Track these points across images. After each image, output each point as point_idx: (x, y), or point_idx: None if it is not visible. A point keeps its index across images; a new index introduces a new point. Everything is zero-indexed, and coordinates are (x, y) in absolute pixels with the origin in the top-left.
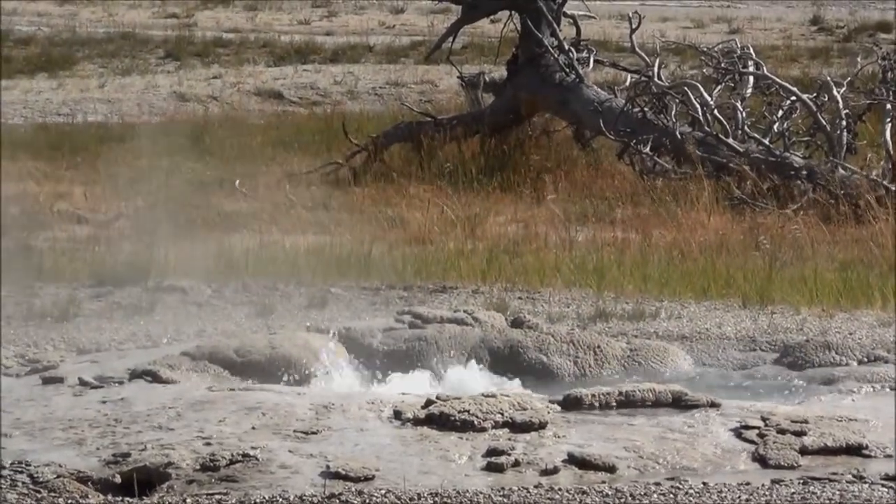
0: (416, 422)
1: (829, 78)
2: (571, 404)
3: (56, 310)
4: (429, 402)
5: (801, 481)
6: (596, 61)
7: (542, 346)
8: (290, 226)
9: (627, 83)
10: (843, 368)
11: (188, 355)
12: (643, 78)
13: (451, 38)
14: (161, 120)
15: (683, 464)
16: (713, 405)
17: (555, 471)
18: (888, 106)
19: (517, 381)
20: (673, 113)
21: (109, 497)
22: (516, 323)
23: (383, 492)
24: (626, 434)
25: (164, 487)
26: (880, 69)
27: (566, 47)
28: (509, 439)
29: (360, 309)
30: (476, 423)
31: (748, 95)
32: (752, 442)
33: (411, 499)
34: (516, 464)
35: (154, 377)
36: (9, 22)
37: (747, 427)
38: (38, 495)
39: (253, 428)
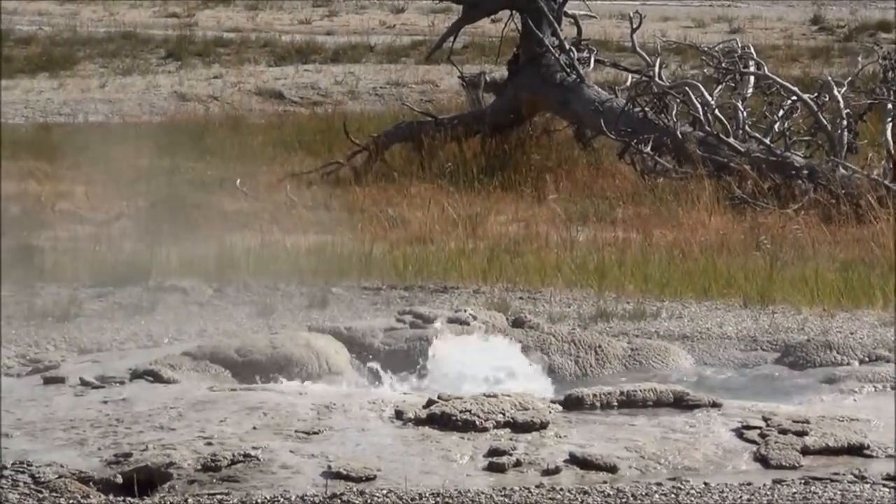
0: (418, 422)
1: (829, 77)
2: (573, 404)
3: (57, 310)
4: (430, 402)
5: (803, 481)
6: (597, 61)
7: (543, 346)
8: (291, 225)
9: (628, 83)
10: (845, 368)
11: (189, 355)
12: (644, 78)
13: (451, 38)
14: (162, 120)
15: (685, 464)
16: (714, 405)
17: (556, 471)
18: (889, 105)
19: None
20: (674, 113)
21: (111, 497)
22: (517, 323)
23: (385, 492)
24: (627, 434)
25: (166, 487)
26: (881, 69)
27: (567, 47)
28: (511, 439)
29: (361, 309)
30: (477, 422)
31: (749, 95)
32: (753, 442)
33: (413, 499)
34: (518, 464)
35: (155, 377)
36: (9, 21)
37: (749, 427)
38: (40, 495)
39: (254, 428)
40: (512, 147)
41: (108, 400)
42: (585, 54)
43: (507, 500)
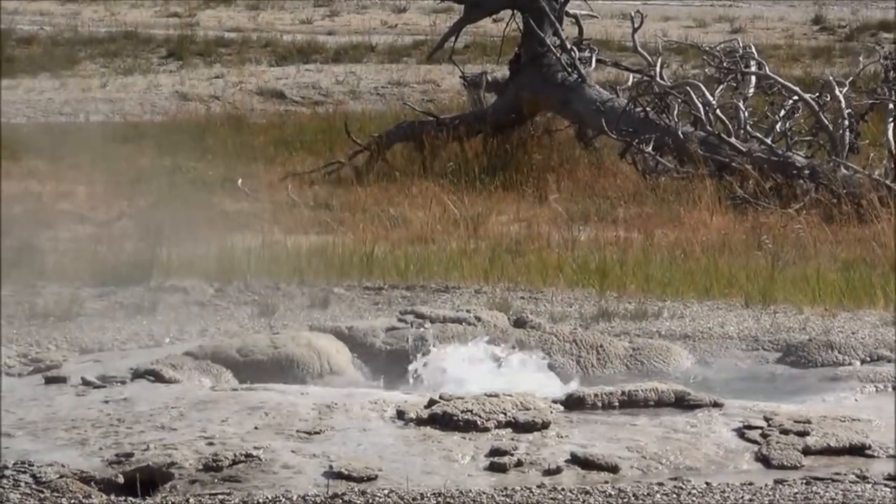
0: (419, 422)
1: (831, 77)
2: (574, 404)
3: (58, 309)
4: (431, 402)
5: (804, 481)
6: (598, 61)
7: (544, 346)
8: (293, 225)
9: (630, 83)
10: (846, 368)
11: (191, 355)
12: (645, 77)
13: (453, 38)
14: (163, 119)
15: (686, 464)
16: (716, 405)
17: (558, 471)
18: (890, 105)
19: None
20: (675, 112)
21: (112, 497)
22: (519, 323)
23: (386, 492)
24: (628, 434)
25: (167, 487)
26: (882, 69)
27: (568, 47)
28: (512, 439)
29: (362, 308)
30: (479, 422)
31: (750, 95)
32: (755, 442)
33: (414, 499)
34: (519, 464)
35: (157, 377)
36: (11, 21)
37: (750, 427)
38: (41, 495)
39: (256, 428)
40: (513, 147)
41: (110, 400)
42: (587, 54)
43: (508, 500)
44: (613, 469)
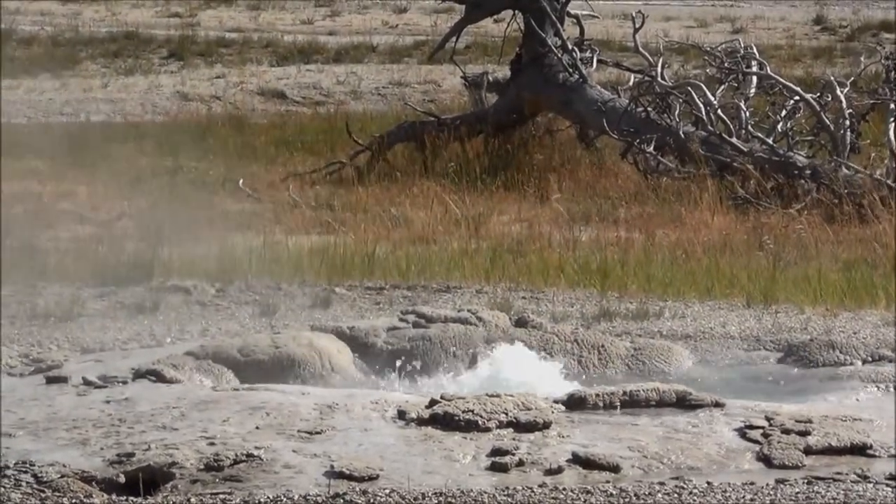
0: (420, 422)
1: (832, 77)
2: (575, 404)
3: (59, 309)
4: (433, 402)
5: (806, 481)
6: (599, 61)
7: (546, 346)
8: (294, 225)
9: (631, 83)
10: (848, 368)
11: (192, 355)
12: (647, 77)
13: (454, 38)
14: (164, 120)
15: (688, 463)
16: (717, 405)
17: (559, 470)
18: (892, 105)
19: None
20: (676, 112)
21: (113, 497)
22: (520, 322)
23: (387, 491)
24: (630, 434)
25: (168, 487)
26: (884, 69)
27: (570, 47)
28: (513, 439)
29: (363, 308)
30: (480, 422)
31: (752, 95)
32: (756, 442)
33: (415, 498)
34: (520, 463)
35: (158, 377)
36: (12, 21)
37: (751, 427)
38: (42, 495)
39: (257, 428)
40: (514, 147)
41: (111, 400)
42: (588, 54)
43: (509, 499)
44: (615, 469)
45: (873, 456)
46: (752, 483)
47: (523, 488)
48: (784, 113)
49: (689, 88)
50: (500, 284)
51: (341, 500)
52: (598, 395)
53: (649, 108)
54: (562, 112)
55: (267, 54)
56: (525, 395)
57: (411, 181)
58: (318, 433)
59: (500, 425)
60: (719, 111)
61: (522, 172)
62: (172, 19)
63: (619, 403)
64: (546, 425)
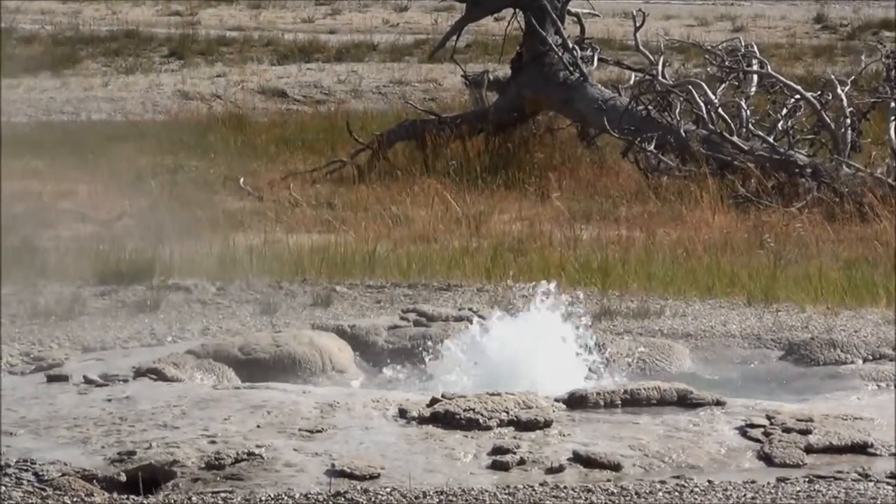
0: (421, 420)
1: (833, 76)
2: (576, 403)
3: (60, 308)
4: (434, 401)
5: (807, 479)
6: (600, 59)
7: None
8: (295, 224)
9: (632, 81)
10: (849, 366)
11: (193, 353)
12: (647, 76)
13: (455, 37)
14: (165, 118)
15: (689, 462)
16: (718, 403)
17: (560, 469)
18: (892, 104)
19: None
20: (677, 111)
21: (114, 495)
22: None
23: (388, 490)
24: (631, 432)
25: (170, 486)
26: (884, 67)
27: (570, 45)
28: (514, 438)
29: (364, 307)
30: (481, 421)
31: (752, 93)
32: (757, 440)
33: (416, 497)
34: (521, 462)
35: (159, 375)
36: (12, 20)
37: (752, 425)
38: (44, 493)
39: (258, 426)
40: (515, 145)
41: (112, 398)
42: (589, 53)
43: (510, 498)
44: (616, 467)
45: (874, 454)
46: (753, 482)
47: (524, 487)
48: (785, 111)
49: (690, 87)
50: (501, 283)
51: (342, 499)
52: (598, 394)
53: (650, 107)
54: (562, 111)
55: (268, 53)
56: (526, 394)
57: (412, 180)
58: (319, 432)
59: (501, 424)
60: (720, 110)
61: (523, 171)
62: (173, 18)
63: (620, 402)
64: (547, 424)
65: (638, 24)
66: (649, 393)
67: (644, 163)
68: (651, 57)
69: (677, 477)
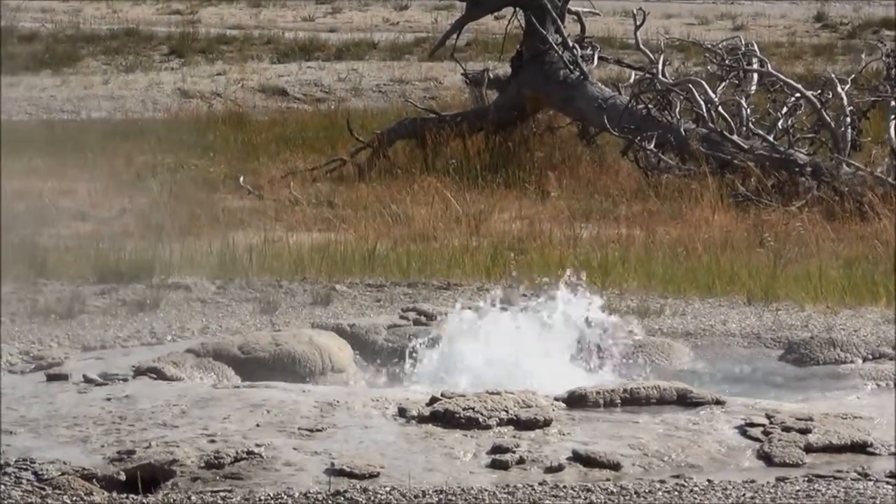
0: (421, 419)
1: (833, 75)
2: (576, 402)
3: (60, 307)
4: (433, 400)
5: (806, 479)
6: (600, 58)
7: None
8: (295, 222)
9: (632, 80)
10: (848, 366)
11: (192, 352)
12: (647, 75)
13: (455, 35)
14: (165, 117)
15: (688, 461)
16: (718, 402)
17: (559, 468)
18: (893, 103)
19: None
20: (677, 110)
21: (114, 494)
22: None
23: (388, 489)
24: (630, 432)
25: (169, 485)
26: (884, 66)
27: (570, 44)
28: (514, 437)
29: (364, 306)
30: (481, 420)
31: (753, 92)
32: (756, 439)
33: (416, 496)
34: (521, 461)
35: (158, 374)
36: (12, 18)
37: (752, 424)
38: (43, 492)
39: (257, 425)
40: (515, 144)
41: (112, 397)
42: (589, 51)
43: (510, 497)
44: (615, 466)
45: (874, 454)
46: (752, 481)
47: (524, 486)
48: (785, 110)
49: (690, 86)
50: (501, 282)
51: (342, 498)
52: (598, 393)
53: (650, 106)
54: (563, 109)
55: (268, 51)
56: (525, 393)
57: (412, 178)
58: (318, 431)
59: (501, 423)
60: (720, 108)
61: (523, 170)
62: (173, 16)
63: (619, 401)
64: (546, 423)
65: (638, 23)
66: (649, 392)
67: (644, 161)
68: (651, 55)
69: (677, 476)
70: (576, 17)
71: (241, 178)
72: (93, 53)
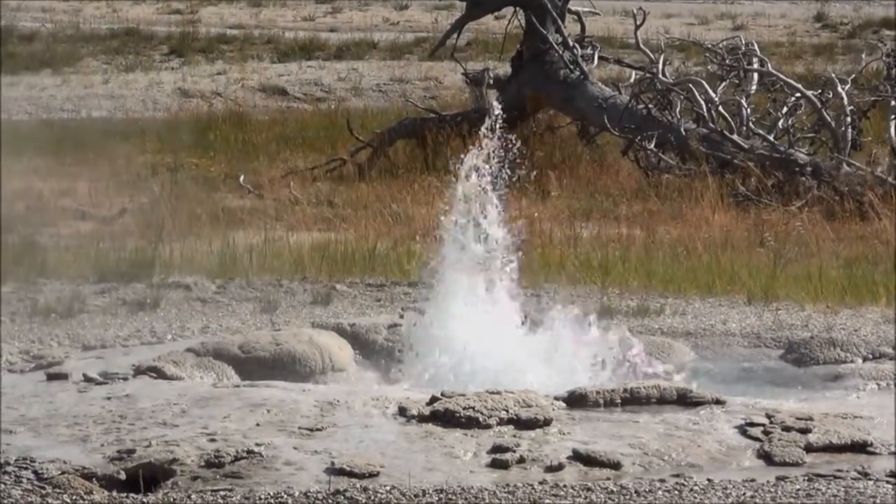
0: (421, 418)
1: (833, 74)
2: (576, 401)
3: (60, 306)
4: (433, 399)
5: (806, 478)
6: (600, 58)
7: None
8: (295, 222)
9: (632, 80)
10: (848, 365)
11: (193, 352)
12: (648, 74)
13: (455, 35)
14: (165, 116)
15: (688, 461)
16: (718, 402)
17: (560, 468)
18: (893, 102)
19: None
20: (677, 109)
21: (114, 493)
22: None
23: (388, 488)
24: (630, 431)
25: (169, 484)
26: (885, 66)
27: (571, 44)
28: (514, 436)
29: (364, 305)
30: (481, 419)
31: (753, 92)
32: (757, 439)
33: (416, 495)
34: (521, 460)
35: (159, 373)
36: (13, 18)
37: (752, 424)
38: (43, 491)
39: (257, 424)
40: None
41: (112, 396)
42: (589, 51)
43: (510, 496)
44: (615, 466)
45: (874, 453)
46: (752, 480)
47: (524, 485)
48: (785, 110)
49: (691, 85)
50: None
51: (342, 497)
52: (598, 393)
53: (650, 105)
54: (563, 109)
55: (268, 51)
56: (526, 392)
57: (412, 178)
58: (318, 430)
59: (501, 422)
60: (720, 108)
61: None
62: (173, 16)
63: (619, 401)
64: (547, 422)
65: (638, 23)
66: (649, 391)
67: (644, 161)
68: (651, 55)
69: (677, 475)
70: (576, 17)
71: (242, 178)
72: (93, 53)
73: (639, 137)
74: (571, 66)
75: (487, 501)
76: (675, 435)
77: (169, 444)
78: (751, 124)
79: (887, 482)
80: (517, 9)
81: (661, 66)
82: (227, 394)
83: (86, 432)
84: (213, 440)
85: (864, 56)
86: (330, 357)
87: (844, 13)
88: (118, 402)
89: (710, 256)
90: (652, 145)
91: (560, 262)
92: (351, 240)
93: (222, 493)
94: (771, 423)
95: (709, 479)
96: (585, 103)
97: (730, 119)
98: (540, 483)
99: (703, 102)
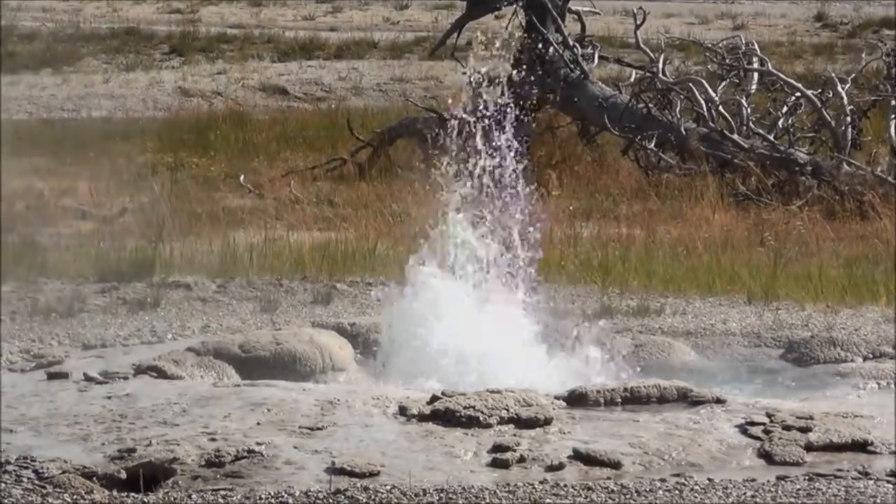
0: (422, 418)
1: (833, 74)
2: (576, 400)
3: (61, 305)
4: (434, 399)
5: (807, 478)
6: (601, 57)
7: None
8: (295, 221)
9: (632, 79)
10: (849, 365)
11: (193, 351)
12: (648, 74)
13: (455, 34)
14: (165, 115)
15: (689, 460)
16: (718, 401)
17: (560, 467)
18: (893, 102)
19: None
20: (678, 109)
21: (114, 493)
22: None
23: (389, 487)
24: (631, 430)
25: (169, 483)
26: (885, 65)
27: (571, 43)
28: (514, 435)
29: (365, 305)
30: (481, 419)
31: (753, 91)
32: (757, 438)
33: (417, 494)
34: (521, 460)
35: (159, 373)
36: (13, 17)
37: (753, 423)
38: (44, 491)
39: (258, 424)
40: None
41: (112, 395)
42: (589, 50)
43: (510, 496)
44: (616, 465)
45: (874, 452)
46: (753, 479)
47: (524, 484)
48: (785, 109)
49: (691, 85)
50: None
51: (342, 497)
52: (599, 392)
53: (650, 105)
54: (563, 108)
55: (268, 50)
56: (526, 392)
57: (412, 177)
58: (319, 429)
59: (501, 421)
60: (720, 108)
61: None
62: (174, 15)
63: (620, 400)
64: (547, 422)
65: (638, 22)
66: (649, 391)
67: (644, 160)
68: (651, 55)
69: (677, 475)
70: (576, 17)
71: (242, 177)
72: (93, 52)
73: (639, 137)
74: (572, 66)
75: (488, 501)
76: (675, 434)
77: (169, 444)
78: (751, 124)
79: (888, 481)
80: (517, 8)
81: (661, 65)
82: (228, 393)
83: (86, 431)
84: (213, 439)
85: (864, 56)
86: (330, 356)
87: (844, 13)
88: (118, 402)
89: (710, 256)
90: (652, 145)
91: (560, 262)
92: (351, 239)
93: (223, 492)
94: (771, 422)
95: (709, 479)
96: (586, 103)
97: (730, 118)
98: (540, 482)
99: (703, 102)
